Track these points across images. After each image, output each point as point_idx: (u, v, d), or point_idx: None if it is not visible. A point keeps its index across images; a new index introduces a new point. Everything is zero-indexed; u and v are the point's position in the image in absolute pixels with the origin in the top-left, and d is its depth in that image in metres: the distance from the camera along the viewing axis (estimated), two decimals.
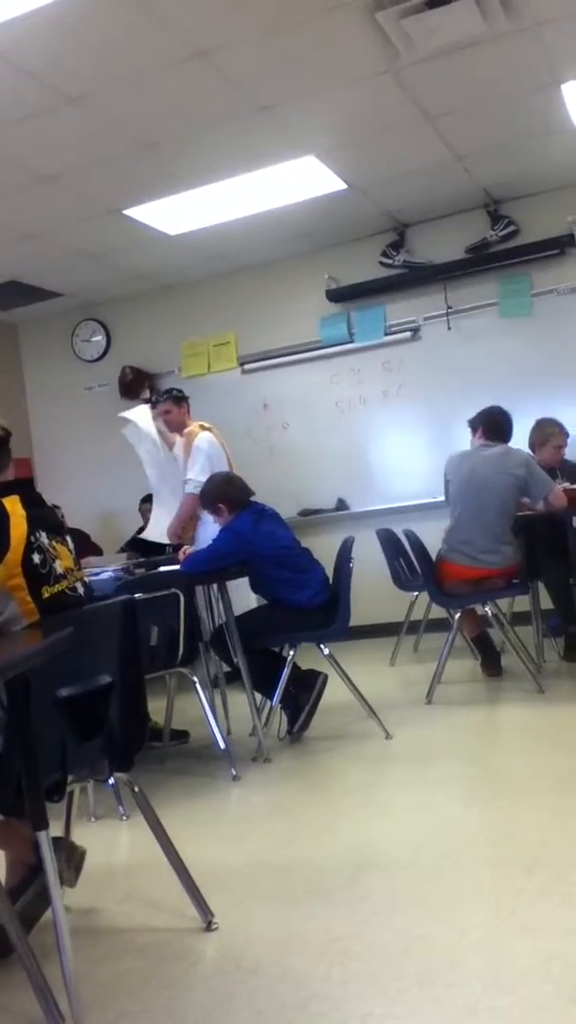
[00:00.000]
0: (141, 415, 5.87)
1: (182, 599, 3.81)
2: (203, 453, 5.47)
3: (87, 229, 5.89)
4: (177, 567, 4.23)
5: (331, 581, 4.32)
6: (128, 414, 5.88)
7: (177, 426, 5.70)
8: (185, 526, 5.51)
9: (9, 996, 2.19)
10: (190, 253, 6.66)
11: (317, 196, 5.84)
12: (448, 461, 4.98)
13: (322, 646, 4.21)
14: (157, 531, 5.81)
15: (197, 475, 5.27)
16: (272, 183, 5.50)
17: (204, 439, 5.54)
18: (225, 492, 4.38)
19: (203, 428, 5.63)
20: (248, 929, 2.42)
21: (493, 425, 4.88)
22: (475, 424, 4.99)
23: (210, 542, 4.34)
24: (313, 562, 4.36)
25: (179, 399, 5.72)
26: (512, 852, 2.68)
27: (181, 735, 4.46)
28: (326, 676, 4.29)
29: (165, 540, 5.72)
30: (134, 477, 6.02)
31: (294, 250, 6.95)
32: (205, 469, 5.27)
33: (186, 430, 5.63)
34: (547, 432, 5.37)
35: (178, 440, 5.74)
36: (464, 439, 5.19)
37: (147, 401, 6.65)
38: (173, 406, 5.69)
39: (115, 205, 5.55)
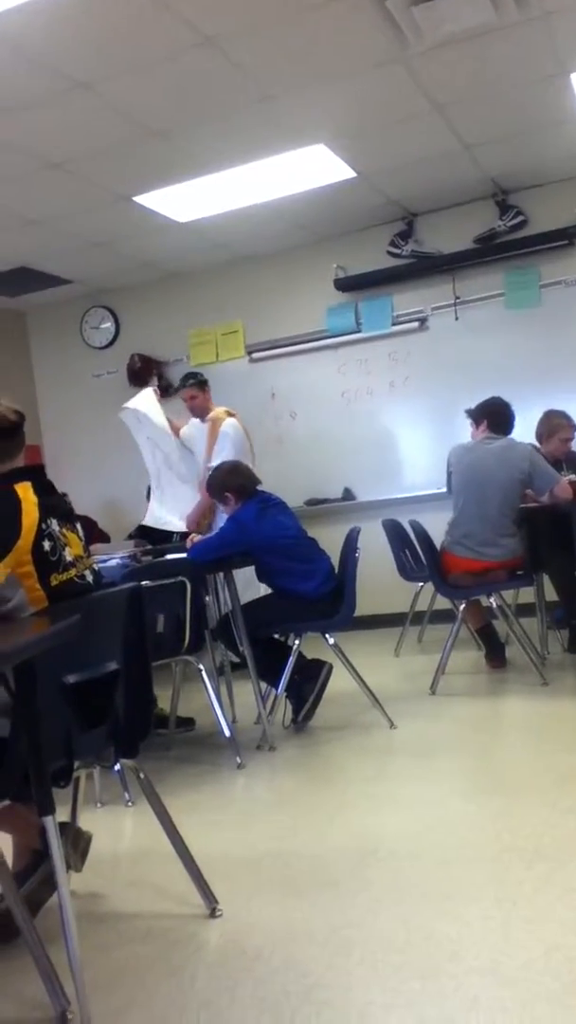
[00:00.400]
0: (145, 400, 5.78)
1: (188, 587, 3.83)
2: (230, 439, 5.41)
3: (96, 216, 5.88)
4: (183, 555, 4.23)
5: (336, 571, 4.33)
6: (130, 403, 5.78)
7: (201, 411, 5.61)
8: (205, 514, 5.45)
9: (15, 980, 2.21)
10: (199, 241, 6.65)
11: (326, 185, 5.82)
12: (451, 452, 4.98)
13: (327, 636, 4.22)
14: (156, 518, 5.73)
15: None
16: (281, 171, 5.48)
17: (231, 425, 5.49)
18: (232, 481, 4.39)
19: (229, 414, 5.57)
20: (251, 917, 2.44)
21: (497, 418, 4.87)
22: (476, 416, 4.98)
23: None
24: (319, 552, 4.36)
25: (203, 383, 5.63)
26: (514, 844, 2.69)
27: (187, 722, 4.48)
28: (331, 666, 4.30)
29: (164, 527, 5.64)
30: (141, 464, 6.01)
31: (302, 239, 6.94)
32: (230, 457, 5.21)
33: (210, 415, 5.57)
34: (555, 424, 5.36)
35: (195, 424, 5.67)
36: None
37: (161, 388, 6.58)
38: (198, 391, 5.59)
39: (124, 192, 5.54)
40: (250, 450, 5.51)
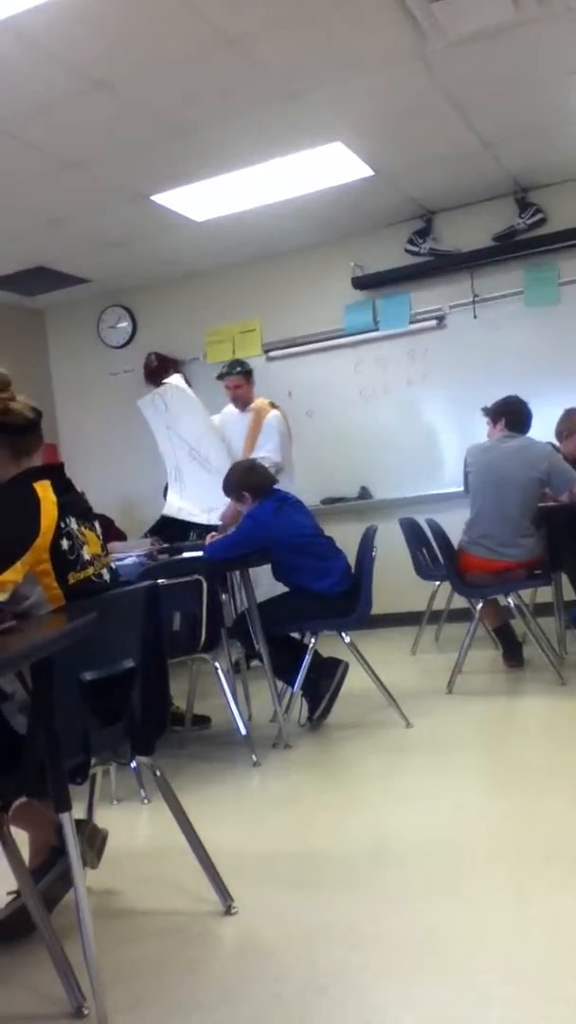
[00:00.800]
0: (180, 380, 5.66)
1: (204, 585, 3.83)
2: (275, 431, 5.36)
3: (114, 215, 5.89)
4: (200, 553, 4.24)
5: (353, 570, 4.32)
6: (168, 379, 5.63)
7: (244, 401, 5.55)
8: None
9: (31, 975, 2.22)
10: (216, 240, 6.65)
11: (344, 183, 5.80)
12: (468, 452, 4.96)
13: (343, 634, 4.22)
14: (177, 509, 5.57)
15: (271, 453, 5.15)
16: (299, 170, 5.47)
17: (276, 417, 5.45)
18: (248, 480, 4.39)
19: (272, 406, 5.52)
20: (266, 914, 2.44)
21: (515, 417, 4.84)
22: (494, 415, 4.95)
23: None
24: (335, 550, 4.36)
25: (248, 373, 5.56)
26: (530, 842, 2.68)
27: (202, 720, 4.49)
28: (347, 664, 4.30)
29: (188, 518, 5.52)
30: (158, 462, 6.02)
31: (320, 237, 6.93)
32: (278, 449, 5.17)
33: (252, 405, 5.52)
34: (575, 422, 5.32)
35: (230, 412, 5.59)
36: None
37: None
38: (243, 380, 5.53)
39: (142, 191, 5.55)
40: (290, 443, 5.48)
